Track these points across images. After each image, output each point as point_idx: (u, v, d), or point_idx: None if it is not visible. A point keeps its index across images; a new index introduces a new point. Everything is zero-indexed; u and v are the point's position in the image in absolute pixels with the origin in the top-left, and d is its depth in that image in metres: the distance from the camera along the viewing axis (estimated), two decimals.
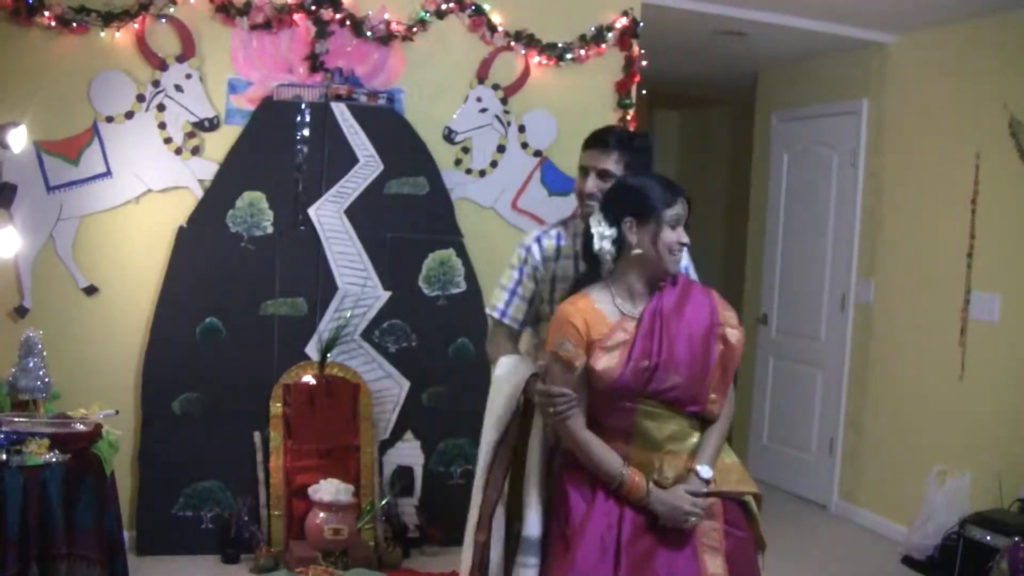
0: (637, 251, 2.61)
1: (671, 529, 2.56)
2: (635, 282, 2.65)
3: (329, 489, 4.43)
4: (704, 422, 2.67)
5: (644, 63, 5.30)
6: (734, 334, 2.66)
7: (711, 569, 2.55)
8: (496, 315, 3.04)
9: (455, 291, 4.92)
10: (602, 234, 2.63)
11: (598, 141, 3.01)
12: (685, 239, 2.65)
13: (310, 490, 4.47)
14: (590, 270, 2.73)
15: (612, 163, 2.96)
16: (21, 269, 4.45)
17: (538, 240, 3.05)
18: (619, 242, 2.63)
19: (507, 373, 2.94)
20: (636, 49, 5.23)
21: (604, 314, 2.61)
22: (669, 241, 2.61)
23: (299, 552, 4.39)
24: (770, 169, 6.80)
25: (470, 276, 4.94)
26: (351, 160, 4.77)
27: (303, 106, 4.69)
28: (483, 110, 5.03)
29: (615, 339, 2.57)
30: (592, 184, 2.95)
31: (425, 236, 4.88)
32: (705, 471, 2.59)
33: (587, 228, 2.70)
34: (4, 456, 3.45)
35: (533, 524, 2.73)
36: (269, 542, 4.49)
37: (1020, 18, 4.96)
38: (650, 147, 3.10)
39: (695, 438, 2.65)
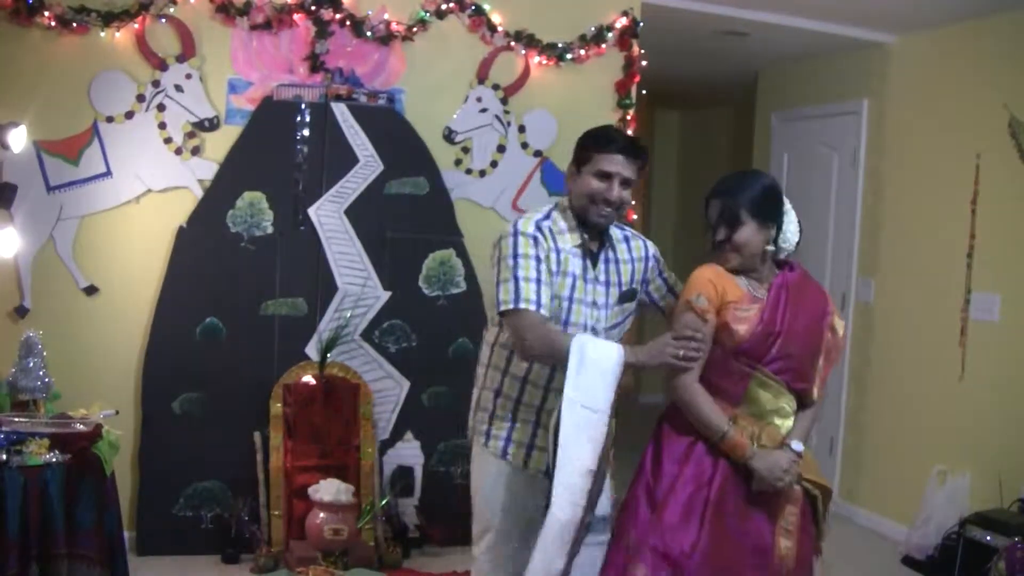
0: (770, 247, 2.90)
1: (757, 500, 2.73)
2: (762, 270, 2.89)
3: (329, 489, 4.43)
4: (800, 407, 2.87)
5: (644, 63, 5.30)
6: (842, 325, 2.94)
7: (783, 550, 2.73)
8: (533, 308, 2.79)
9: (455, 291, 4.92)
10: (794, 231, 3.09)
11: (625, 148, 2.91)
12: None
13: (310, 490, 4.47)
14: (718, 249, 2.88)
15: (634, 172, 2.93)
16: (21, 269, 4.45)
17: (539, 229, 2.89)
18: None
19: (603, 347, 2.76)
20: (636, 49, 5.24)
21: (737, 283, 2.83)
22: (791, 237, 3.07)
23: (299, 552, 4.39)
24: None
25: (470, 276, 4.94)
26: (351, 160, 4.77)
27: (303, 106, 4.69)
28: (483, 110, 5.03)
29: (746, 304, 2.78)
30: (617, 192, 2.89)
31: (425, 236, 4.88)
32: (798, 445, 2.78)
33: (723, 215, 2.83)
34: (4, 456, 3.45)
35: (603, 504, 2.83)
36: (269, 542, 4.49)
37: (1020, 18, 4.96)
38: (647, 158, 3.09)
39: (792, 421, 2.84)
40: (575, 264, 2.93)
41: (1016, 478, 4.81)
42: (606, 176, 2.88)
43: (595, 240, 2.99)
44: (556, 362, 2.79)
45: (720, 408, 2.76)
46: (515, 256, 2.84)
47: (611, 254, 3.02)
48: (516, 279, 2.81)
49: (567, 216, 2.96)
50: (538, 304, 2.80)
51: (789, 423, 2.84)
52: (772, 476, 2.70)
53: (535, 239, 2.86)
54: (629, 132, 3.09)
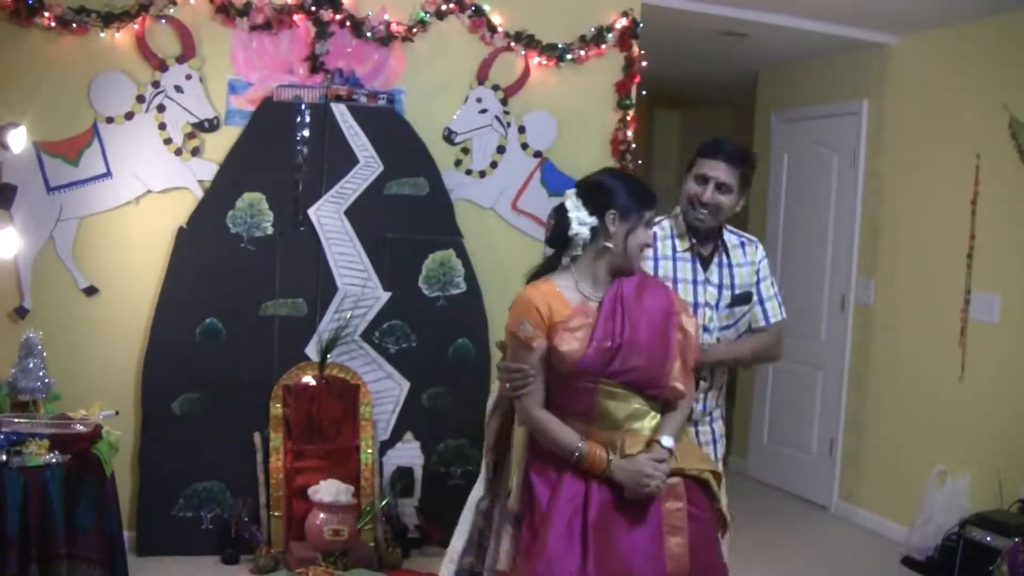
0: (609, 244, 2.71)
1: (636, 508, 2.64)
2: (600, 271, 2.74)
3: (329, 490, 4.43)
4: (665, 406, 2.76)
5: (644, 64, 5.30)
6: (691, 323, 2.80)
7: (674, 549, 2.63)
8: None
9: (455, 292, 4.92)
10: (582, 220, 2.71)
11: (729, 155, 3.06)
12: (650, 241, 2.82)
13: (310, 491, 4.47)
14: (553, 256, 2.80)
15: (733, 178, 3.05)
16: (21, 270, 4.45)
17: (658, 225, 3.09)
18: (593, 231, 2.71)
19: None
20: (636, 50, 5.23)
21: (566, 298, 2.70)
22: (641, 240, 2.74)
23: (299, 553, 4.39)
24: (770, 170, 6.80)
25: (470, 277, 4.94)
26: (351, 161, 4.77)
27: (303, 107, 4.69)
28: (483, 111, 5.03)
29: (577, 322, 2.66)
30: (710, 195, 3.03)
31: (425, 237, 4.88)
32: (667, 440, 2.66)
33: (559, 213, 2.75)
34: (4, 457, 3.45)
35: (515, 497, 2.78)
36: (269, 543, 4.49)
37: (1020, 18, 4.97)
38: (755, 164, 3.19)
39: (655, 419, 2.73)
40: (685, 268, 3.09)
41: (1016, 479, 4.82)
42: (703, 180, 3.04)
43: (708, 244, 3.13)
44: None
45: (574, 427, 2.67)
46: None
47: (725, 258, 3.15)
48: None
49: (678, 222, 3.13)
50: None
51: (652, 422, 2.73)
52: (637, 484, 2.61)
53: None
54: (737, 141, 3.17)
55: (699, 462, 2.79)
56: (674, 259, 3.10)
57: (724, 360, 3.15)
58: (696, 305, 3.06)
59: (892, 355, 5.76)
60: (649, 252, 2.93)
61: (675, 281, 3.06)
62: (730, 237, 3.20)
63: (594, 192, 2.74)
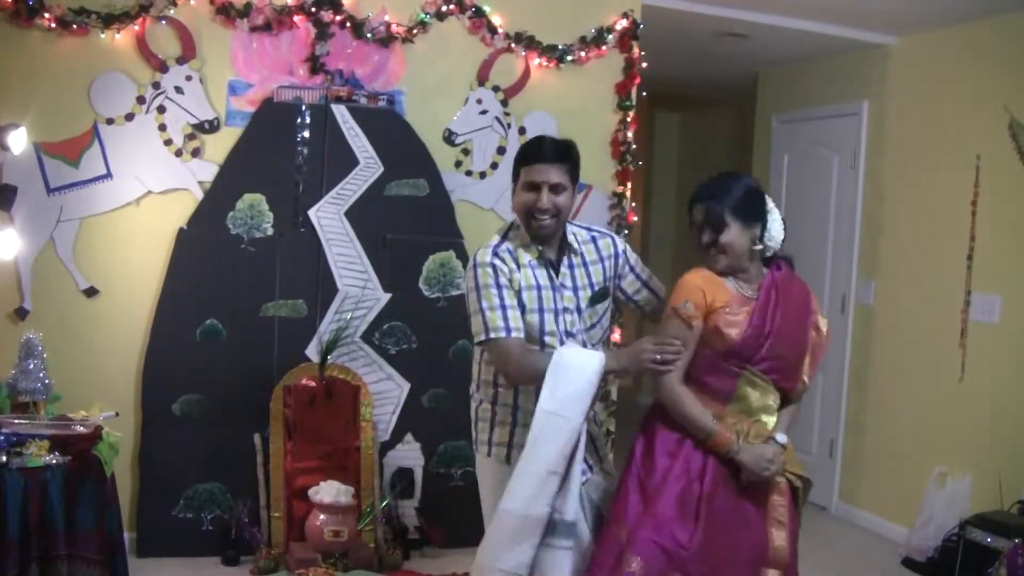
0: (757, 246, 2.91)
1: (748, 491, 2.82)
2: (754, 269, 2.93)
3: (329, 491, 4.43)
4: (783, 403, 2.96)
5: (644, 65, 5.30)
6: (825, 323, 2.99)
7: (776, 541, 2.83)
8: (504, 335, 2.90)
9: (455, 293, 4.92)
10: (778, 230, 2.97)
11: (543, 154, 2.97)
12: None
13: (310, 492, 4.47)
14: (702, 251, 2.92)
15: (562, 175, 2.96)
16: (21, 271, 4.45)
17: (496, 255, 2.99)
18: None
19: (582, 355, 2.89)
20: (636, 51, 5.24)
21: (727, 287, 2.88)
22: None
23: (299, 554, 4.39)
24: (770, 171, 6.80)
25: None
26: (351, 162, 4.77)
27: (303, 108, 4.69)
28: (483, 112, 5.03)
29: (736, 307, 2.83)
30: (547, 200, 2.93)
31: (425, 238, 4.88)
32: (782, 437, 2.89)
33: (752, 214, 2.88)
34: (4, 458, 3.45)
35: (572, 509, 2.80)
36: (269, 544, 4.49)
37: (1020, 19, 4.97)
38: (579, 155, 3.09)
39: (776, 417, 2.94)
40: (539, 276, 3.00)
41: (1016, 480, 4.82)
42: (534, 187, 2.96)
43: (553, 248, 3.05)
44: (539, 383, 2.84)
45: (709, 406, 2.83)
46: (477, 288, 2.96)
47: (574, 259, 3.06)
48: (482, 311, 2.94)
49: (520, 233, 3.04)
50: (507, 330, 2.90)
51: (774, 419, 2.93)
52: (758, 467, 2.79)
53: (493, 267, 2.95)
54: (555, 137, 3.08)
55: (796, 466, 2.97)
56: (520, 269, 2.98)
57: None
58: (556, 312, 2.98)
59: (892, 356, 5.76)
60: (522, 256, 3.00)
61: (535, 288, 2.96)
62: (579, 233, 3.10)
63: (758, 201, 2.95)
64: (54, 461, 3.52)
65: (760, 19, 5.46)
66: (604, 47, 5.17)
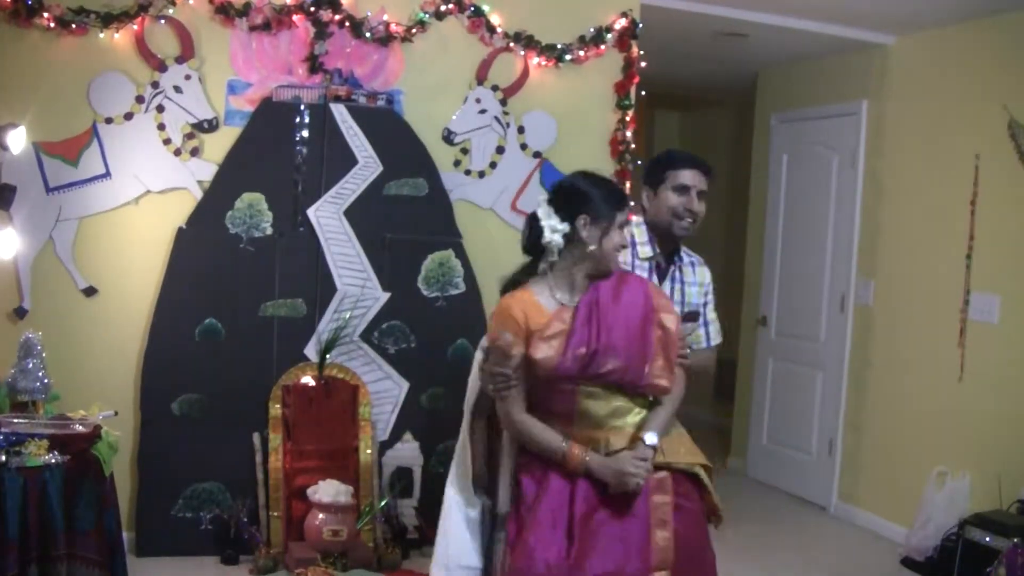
0: (591, 247, 2.74)
1: (623, 503, 2.70)
2: (577, 276, 2.78)
3: (328, 490, 4.43)
4: (653, 402, 2.82)
5: (643, 64, 5.30)
6: (670, 319, 2.81)
7: (660, 543, 2.69)
8: None
9: (454, 292, 4.92)
10: (554, 227, 2.75)
11: (699, 164, 3.17)
12: (626, 242, 2.84)
13: (309, 491, 4.47)
14: (530, 264, 2.85)
15: (707, 186, 3.16)
16: (20, 270, 4.45)
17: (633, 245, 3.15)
18: (567, 238, 2.75)
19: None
20: (635, 50, 5.24)
21: (542, 306, 2.76)
22: (616, 242, 2.77)
23: (298, 553, 4.39)
24: (769, 170, 6.80)
25: (469, 277, 4.94)
26: (350, 161, 4.77)
27: (302, 107, 4.69)
28: (482, 111, 5.03)
29: (553, 329, 2.71)
30: (697, 204, 3.12)
31: (424, 237, 4.88)
32: (651, 437, 2.72)
33: (531, 221, 2.80)
34: (4, 457, 3.44)
35: (504, 501, 2.82)
36: (268, 543, 4.49)
37: (1020, 19, 4.97)
38: None
39: (639, 415, 2.79)
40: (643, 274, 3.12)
41: (1015, 479, 4.81)
42: (684, 189, 3.13)
43: (667, 257, 3.19)
44: None
45: (557, 427, 2.74)
46: None
47: (679, 274, 3.20)
48: None
49: (640, 232, 3.19)
50: None
51: (634, 417, 2.78)
52: (619, 481, 2.67)
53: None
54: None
55: (688, 456, 2.85)
56: (633, 268, 3.13)
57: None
58: None
59: (892, 356, 5.76)
60: (625, 253, 2.98)
61: None
62: (684, 255, 3.26)
63: (565, 198, 2.78)
64: (53, 461, 3.51)
65: (760, 19, 5.46)
66: (603, 46, 5.17)
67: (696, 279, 3.26)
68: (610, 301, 2.76)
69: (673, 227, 3.14)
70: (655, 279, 3.16)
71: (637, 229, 3.18)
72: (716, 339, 3.32)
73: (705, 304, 3.28)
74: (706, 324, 3.28)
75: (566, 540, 2.66)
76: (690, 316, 3.21)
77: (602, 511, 2.70)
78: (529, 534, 2.67)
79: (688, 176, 3.13)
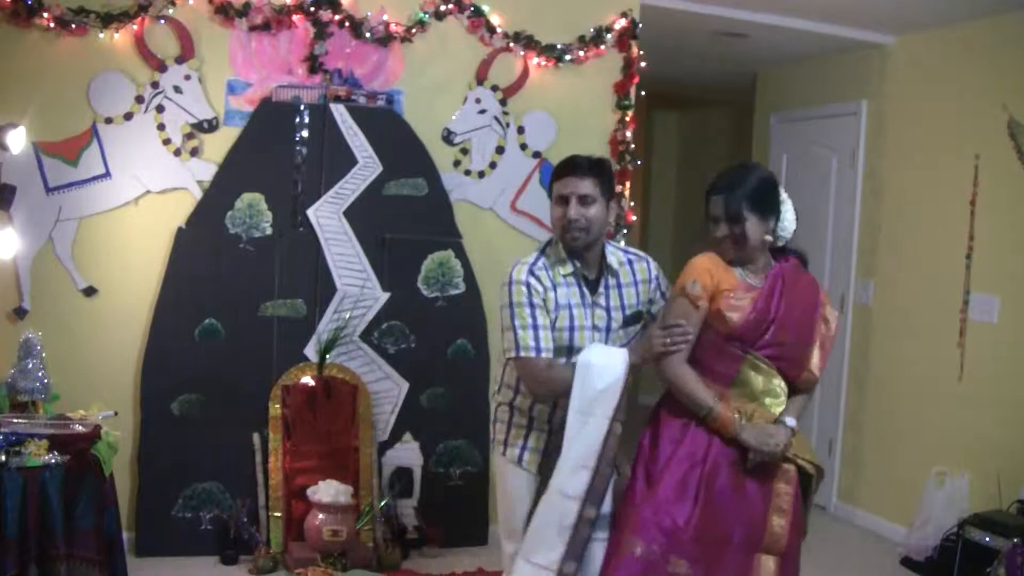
0: (768, 237, 2.97)
1: (752, 474, 2.84)
2: (760, 260, 2.98)
3: (328, 490, 4.43)
4: (791, 392, 2.98)
5: (643, 64, 5.30)
6: (835, 315, 3.06)
7: (775, 528, 2.87)
8: (533, 355, 2.95)
9: (454, 292, 4.92)
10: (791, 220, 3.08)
11: (577, 167, 3.03)
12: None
13: (309, 491, 4.47)
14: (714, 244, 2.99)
15: (591, 188, 3.01)
16: (20, 270, 4.44)
17: (532, 274, 3.01)
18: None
19: (607, 355, 2.96)
20: (635, 50, 5.24)
21: (733, 273, 2.94)
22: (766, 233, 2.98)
23: (298, 553, 4.39)
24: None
25: (469, 277, 4.93)
26: (350, 161, 4.76)
27: (302, 107, 4.69)
28: (482, 111, 5.03)
29: (741, 293, 2.90)
30: (576, 211, 2.98)
31: (424, 237, 4.88)
32: (791, 421, 2.91)
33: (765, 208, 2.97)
34: (3, 457, 3.45)
35: (607, 502, 2.92)
36: (268, 543, 4.49)
37: (1019, 19, 4.97)
38: (612, 170, 3.22)
39: (784, 402, 2.95)
40: (572, 293, 3.03)
41: (1015, 479, 4.82)
42: (563, 200, 3.01)
43: (592, 267, 3.08)
44: (565, 395, 2.93)
45: (711, 388, 2.89)
46: (511, 305, 2.99)
47: (611, 280, 3.10)
48: (514, 328, 2.98)
49: (557, 248, 3.08)
50: (537, 350, 2.96)
51: (781, 404, 2.95)
52: (761, 443, 2.82)
53: (527, 286, 2.98)
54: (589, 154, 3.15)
55: (809, 454, 2.99)
56: (556, 288, 3.02)
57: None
58: (585, 328, 3.03)
59: (891, 356, 5.76)
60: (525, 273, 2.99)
61: (567, 307, 3.01)
62: (616, 254, 3.14)
63: (770, 193, 3.02)
64: (53, 460, 3.52)
65: (759, 19, 5.46)
66: (603, 46, 5.17)
67: (638, 277, 3.13)
68: (792, 282, 2.96)
69: (565, 240, 3.02)
70: (586, 291, 3.04)
71: (553, 248, 3.08)
72: None
73: (662, 295, 3.14)
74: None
75: (694, 503, 2.79)
76: (631, 319, 3.10)
77: (728, 478, 2.83)
78: (661, 489, 2.80)
79: (563, 184, 3.01)
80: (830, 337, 3.03)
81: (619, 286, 3.10)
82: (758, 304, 2.89)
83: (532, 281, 2.99)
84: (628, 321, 3.10)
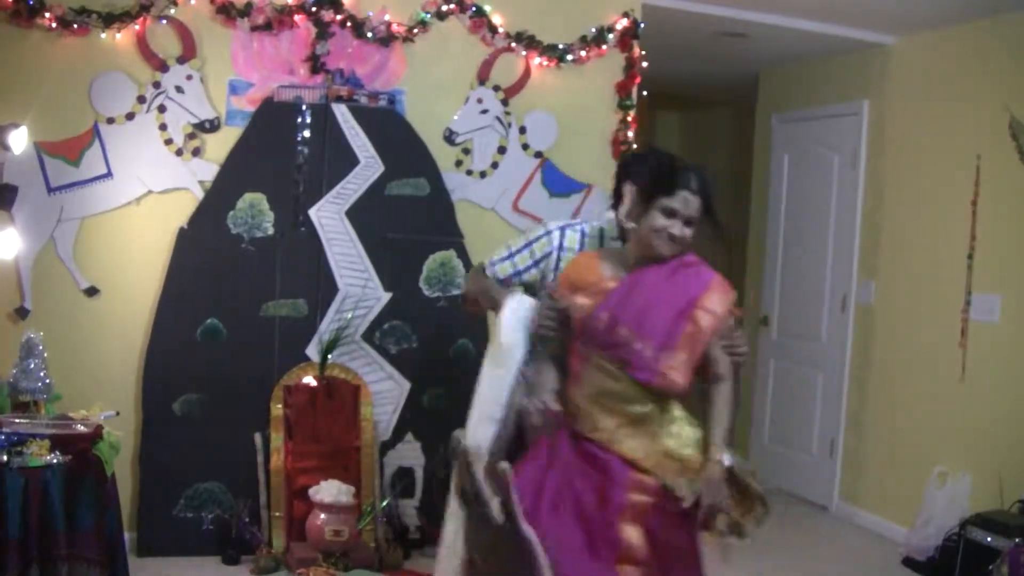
0: (629, 224, 2.81)
1: (600, 487, 2.71)
2: (631, 256, 2.83)
3: (330, 490, 4.43)
4: (666, 398, 2.76)
5: (645, 64, 5.30)
6: (706, 318, 2.74)
7: (632, 540, 2.67)
8: (486, 263, 3.23)
9: (456, 292, 4.92)
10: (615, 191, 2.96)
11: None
12: (676, 231, 2.73)
13: (311, 491, 4.47)
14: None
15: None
16: (22, 270, 4.44)
17: (562, 229, 3.14)
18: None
19: (519, 305, 3.06)
20: (637, 50, 5.24)
21: (600, 271, 2.84)
22: (656, 225, 2.74)
23: (300, 553, 4.39)
24: (771, 171, 6.80)
25: None
26: (352, 161, 4.77)
27: (304, 107, 4.69)
28: (484, 111, 5.03)
29: (595, 291, 2.79)
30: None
31: (426, 237, 4.88)
32: (726, 458, 2.70)
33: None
34: (5, 457, 3.45)
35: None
36: (270, 543, 4.49)
37: (1020, 19, 4.97)
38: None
39: (646, 407, 2.74)
40: None
41: (1017, 479, 4.81)
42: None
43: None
44: (488, 303, 3.20)
45: (567, 384, 2.83)
46: (523, 234, 3.26)
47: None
48: (504, 244, 3.24)
49: (619, 249, 2.95)
50: (492, 264, 3.21)
51: (639, 409, 2.74)
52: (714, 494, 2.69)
53: (547, 234, 3.15)
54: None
55: (675, 472, 2.73)
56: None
57: None
58: None
59: (893, 355, 5.76)
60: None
61: None
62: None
63: (623, 163, 2.96)
64: (55, 461, 3.52)
65: (760, 19, 5.46)
66: (604, 46, 5.17)
67: None
68: (655, 283, 2.76)
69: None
70: None
71: (605, 227, 3.13)
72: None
73: None
74: None
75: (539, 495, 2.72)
76: None
77: (578, 488, 2.72)
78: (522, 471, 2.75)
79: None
80: (699, 339, 2.72)
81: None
82: (604, 304, 2.74)
83: (554, 235, 3.12)
84: None
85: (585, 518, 2.69)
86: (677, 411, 2.80)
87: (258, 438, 4.61)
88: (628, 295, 2.75)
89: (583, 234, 3.15)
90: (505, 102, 5.05)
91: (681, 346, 2.71)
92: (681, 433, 2.78)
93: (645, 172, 2.79)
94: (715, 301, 2.77)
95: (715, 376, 2.81)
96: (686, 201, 2.73)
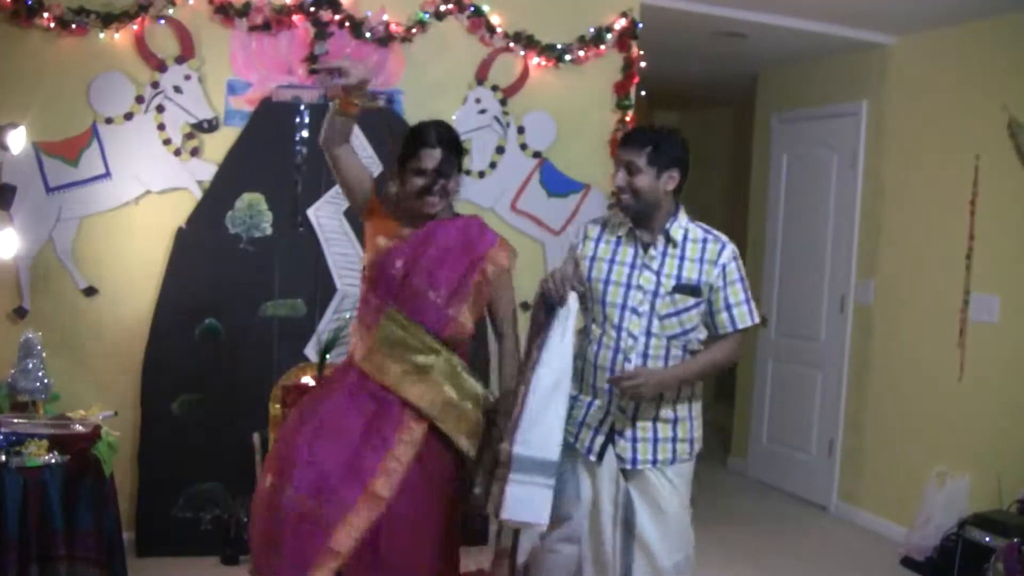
0: (392, 188, 3.17)
1: (371, 420, 2.98)
2: (417, 215, 3.11)
3: None
4: (450, 350, 3.05)
5: (643, 64, 5.30)
6: (493, 271, 3.08)
7: (378, 489, 2.92)
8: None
9: None
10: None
11: (628, 138, 3.20)
12: (429, 182, 3.10)
13: None
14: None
15: (638, 157, 3.10)
16: (20, 270, 4.45)
17: (588, 223, 3.34)
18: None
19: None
20: (635, 50, 5.24)
21: (396, 227, 3.10)
22: (414, 187, 3.09)
23: None
24: (770, 170, 6.80)
25: None
26: None
27: (302, 107, 4.69)
28: (482, 111, 5.03)
29: (387, 242, 3.06)
30: (622, 178, 3.13)
31: None
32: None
33: None
34: (4, 457, 3.45)
35: (552, 449, 2.99)
36: None
37: (1020, 19, 4.97)
38: (678, 142, 3.20)
39: (430, 358, 3.01)
40: (622, 252, 3.19)
41: (1015, 479, 4.82)
42: (617, 166, 3.19)
43: (651, 232, 3.17)
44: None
45: (363, 336, 3.05)
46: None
47: (671, 249, 3.15)
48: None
49: (616, 212, 3.29)
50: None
51: (423, 360, 3.01)
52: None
53: (580, 228, 3.36)
54: None
55: (455, 426, 3.05)
56: (600, 241, 3.25)
57: (682, 380, 3.17)
58: (627, 286, 3.14)
59: (892, 355, 5.76)
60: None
61: (606, 260, 3.19)
62: (691, 230, 3.18)
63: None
64: (53, 461, 3.52)
65: (760, 19, 5.46)
66: (603, 46, 5.17)
67: (706, 256, 3.13)
68: (446, 238, 3.06)
69: (620, 203, 3.21)
70: (639, 251, 3.16)
71: (611, 215, 3.37)
72: (744, 322, 3.15)
73: (725, 286, 3.13)
74: (729, 308, 3.13)
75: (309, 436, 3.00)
76: (683, 288, 3.12)
77: (355, 421, 2.98)
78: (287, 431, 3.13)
79: (619, 152, 3.19)
80: (484, 290, 3.07)
81: (681, 257, 3.13)
82: (395, 251, 3.01)
83: (586, 228, 3.31)
84: (678, 290, 3.11)
85: (350, 445, 2.94)
86: (460, 365, 3.07)
87: (256, 438, 4.61)
88: (421, 248, 3.01)
89: (603, 225, 3.32)
90: (503, 102, 5.05)
91: (471, 295, 3.03)
92: (463, 386, 3.06)
93: (405, 134, 3.18)
94: (502, 256, 3.10)
95: (498, 334, 3.17)
96: (430, 156, 3.10)
